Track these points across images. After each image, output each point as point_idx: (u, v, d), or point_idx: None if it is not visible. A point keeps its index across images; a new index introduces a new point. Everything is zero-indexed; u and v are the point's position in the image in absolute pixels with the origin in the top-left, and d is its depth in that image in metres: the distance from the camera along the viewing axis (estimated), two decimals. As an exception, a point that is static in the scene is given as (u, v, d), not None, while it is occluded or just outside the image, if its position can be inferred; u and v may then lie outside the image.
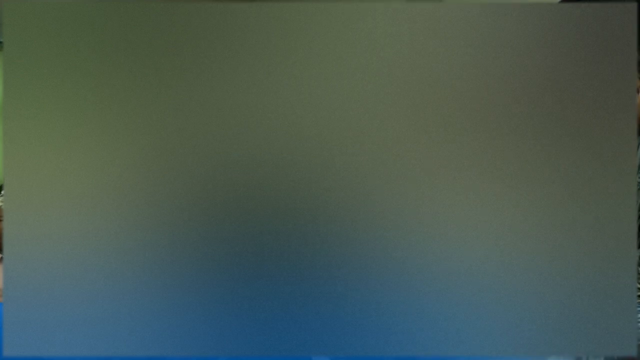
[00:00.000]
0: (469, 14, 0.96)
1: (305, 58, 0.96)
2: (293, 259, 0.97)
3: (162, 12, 0.96)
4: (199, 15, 0.96)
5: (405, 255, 0.97)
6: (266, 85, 0.97)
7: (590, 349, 0.98)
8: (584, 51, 0.97)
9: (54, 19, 0.96)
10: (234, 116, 0.97)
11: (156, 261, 0.97)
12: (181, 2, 0.95)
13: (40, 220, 0.97)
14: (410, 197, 0.97)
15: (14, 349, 0.97)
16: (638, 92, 1.07)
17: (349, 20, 0.96)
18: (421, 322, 0.97)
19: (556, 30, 0.97)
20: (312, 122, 0.96)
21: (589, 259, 0.97)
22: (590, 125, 0.97)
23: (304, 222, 0.97)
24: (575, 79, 0.97)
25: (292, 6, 0.96)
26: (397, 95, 0.97)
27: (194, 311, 0.97)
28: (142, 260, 0.97)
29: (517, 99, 0.97)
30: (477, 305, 0.97)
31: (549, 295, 0.97)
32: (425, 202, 0.97)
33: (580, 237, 0.97)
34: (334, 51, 0.96)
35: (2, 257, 1.18)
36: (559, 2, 1.08)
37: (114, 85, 0.97)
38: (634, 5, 0.97)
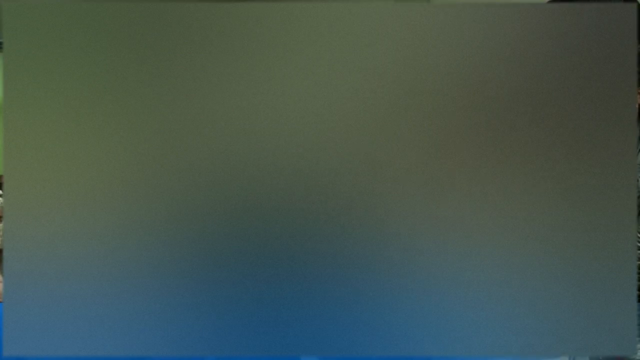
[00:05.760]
0: (460, 14, 0.96)
1: (298, 58, 0.96)
2: (284, 261, 0.97)
3: (162, 13, 0.96)
4: (198, 15, 0.96)
5: (403, 256, 0.97)
6: (263, 85, 0.97)
7: (591, 349, 0.98)
8: (583, 51, 0.97)
9: (54, 19, 0.96)
10: (232, 116, 0.97)
11: (155, 262, 0.97)
12: (181, 3, 0.95)
13: (40, 220, 0.97)
14: (408, 198, 0.97)
15: (14, 349, 0.97)
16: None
17: (344, 21, 0.96)
18: (421, 322, 0.97)
19: (555, 31, 0.97)
20: (308, 121, 0.96)
21: (589, 259, 0.97)
22: (590, 126, 0.97)
23: (296, 223, 0.97)
24: (575, 80, 0.97)
25: (288, 6, 0.96)
26: (389, 95, 0.97)
27: (191, 312, 0.97)
28: (140, 261, 0.97)
29: (515, 100, 0.97)
30: (477, 305, 0.97)
31: (549, 296, 0.97)
32: (423, 203, 0.97)
33: (580, 237, 0.97)
34: (329, 50, 0.96)
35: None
36: (548, 1, 1.07)
37: (114, 85, 0.97)
38: (634, 5, 0.97)
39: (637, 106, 0.98)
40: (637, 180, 1.03)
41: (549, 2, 1.05)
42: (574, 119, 0.97)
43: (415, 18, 0.96)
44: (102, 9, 0.96)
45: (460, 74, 0.96)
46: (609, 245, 0.97)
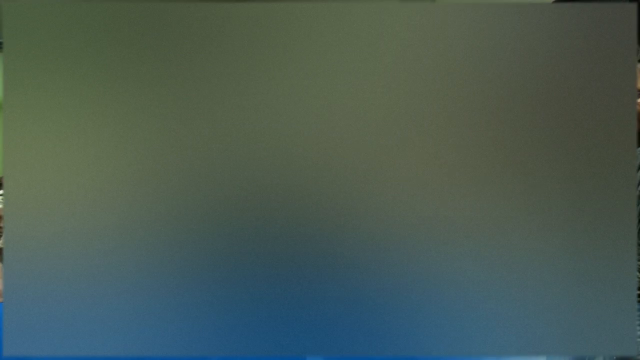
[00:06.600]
0: (464, 13, 0.96)
1: (301, 58, 0.96)
2: (288, 260, 0.97)
3: (162, 13, 0.96)
4: (198, 15, 0.96)
5: (403, 255, 0.97)
6: (264, 86, 0.97)
7: (590, 349, 0.98)
8: (583, 51, 0.97)
9: (54, 19, 0.96)
10: (232, 116, 0.97)
11: (155, 262, 0.97)
12: (181, 3, 0.95)
13: (40, 220, 0.97)
14: (409, 198, 0.97)
15: (14, 349, 0.97)
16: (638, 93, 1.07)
17: (345, 21, 0.96)
18: (421, 322, 0.97)
19: (556, 31, 0.97)
20: (308, 122, 0.96)
21: (589, 258, 0.97)
22: (590, 126, 0.97)
23: (300, 222, 0.97)
24: (575, 80, 0.97)
25: (289, 6, 0.96)
26: (391, 95, 0.97)
27: (192, 312, 0.97)
28: (141, 260, 0.97)
29: (515, 100, 0.97)
30: (477, 305, 0.97)
31: (549, 295, 0.97)
32: (424, 203, 0.97)
33: (580, 237, 0.97)
34: (331, 50, 0.96)
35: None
36: (553, 1, 1.07)
37: (114, 85, 0.97)
38: (634, 5, 0.97)
39: (637, 107, 0.98)
40: (637, 181, 1.03)
41: (553, 2, 1.05)
42: (574, 119, 0.97)
43: (419, 18, 0.96)
44: (102, 9, 0.96)
45: (463, 73, 0.96)
46: (609, 245, 0.97)
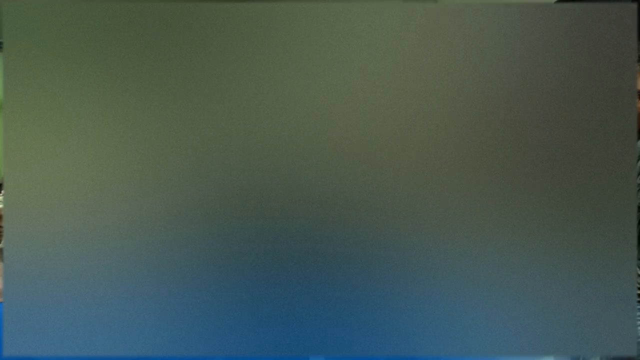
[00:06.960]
0: (465, 14, 0.96)
1: (302, 58, 0.96)
2: (291, 261, 0.97)
3: (162, 13, 0.96)
4: (198, 15, 0.96)
5: (404, 256, 0.97)
6: (264, 85, 0.97)
7: (590, 349, 0.98)
8: (583, 51, 0.97)
9: (54, 19, 0.96)
10: (232, 116, 0.97)
11: (155, 262, 0.97)
12: (181, 3, 0.95)
13: (40, 220, 0.97)
14: (409, 198, 0.97)
15: (14, 349, 0.97)
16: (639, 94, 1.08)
17: (346, 20, 0.96)
18: (421, 322, 0.97)
19: (556, 31, 0.97)
20: (308, 122, 0.96)
21: (589, 259, 0.97)
22: (590, 126, 0.97)
23: (300, 223, 0.97)
24: (575, 80, 0.97)
25: (289, 6, 0.96)
26: (393, 95, 0.97)
27: (192, 312, 0.97)
28: (141, 260, 0.97)
29: (516, 100, 0.97)
30: (477, 305, 0.97)
31: (549, 296, 0.97)
32: (424, 203, 0.97)
33: (580, 237, 0.97)
34: (332, 50, 0.96)
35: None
36: (555, 2, 1.08)
37: (114, 85, 0.97)
38: (634, 5, 0.97)
39: (637, 107, 0.98)
40: (637, 182, 1.03)
41: (555, 2, 1.05)
42: (574, 119, 0.97)
43: (419, 18, 0.96)
44: (102, 9, 0.96)
45: (463, 73, 0.96)
46: (609, 245, 0.97)
